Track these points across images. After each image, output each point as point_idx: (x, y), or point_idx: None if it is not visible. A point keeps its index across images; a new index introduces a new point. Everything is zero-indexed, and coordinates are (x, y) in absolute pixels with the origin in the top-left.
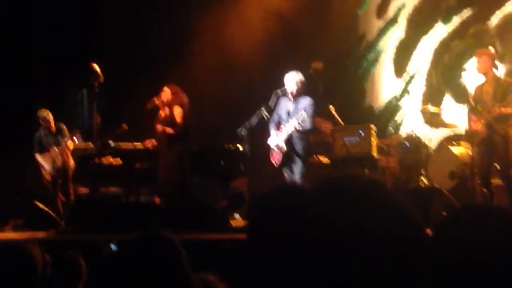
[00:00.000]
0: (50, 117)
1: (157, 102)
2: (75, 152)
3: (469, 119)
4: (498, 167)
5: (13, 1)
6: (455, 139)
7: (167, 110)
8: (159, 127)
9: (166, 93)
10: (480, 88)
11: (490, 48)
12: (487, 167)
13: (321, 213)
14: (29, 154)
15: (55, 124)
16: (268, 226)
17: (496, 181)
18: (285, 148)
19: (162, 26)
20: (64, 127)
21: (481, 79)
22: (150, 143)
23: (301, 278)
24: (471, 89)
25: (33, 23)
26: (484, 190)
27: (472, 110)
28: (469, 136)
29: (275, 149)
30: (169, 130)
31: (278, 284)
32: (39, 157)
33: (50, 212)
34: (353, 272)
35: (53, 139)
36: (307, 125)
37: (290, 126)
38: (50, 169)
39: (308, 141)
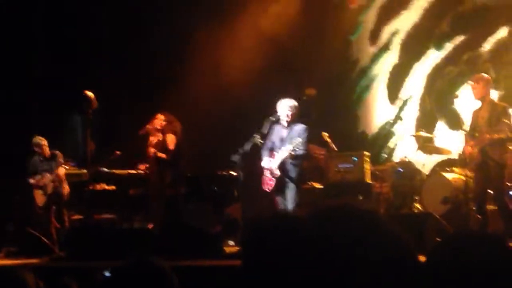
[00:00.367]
0: (44, 143)
1: (149, 128)
2: (68, 178)
3: (466, 144)
4: (492, 192)
5: (8, 25)
6: (448, 164)
7: (159, 136)
8: (151, 150)
9: (159, 120)
10: (476, 113)
11: (484, 74)
12: (482, 192)
13: (315, 241)
14: (22, 181)
15: (50, 151)
16: (263, 253)
17: (491, 206)
18: (278, 173)
19: (156, 52)
20: (59, 154)
21: (477, 104)
22: (143, 166)
23: None
24: (468, 114)
25: (30, 48)
26: (478, 216)
27: (469, 135)
28: (462, 161)
29: (268, 174)
30: (161, 155)
31: None
32: (32, 182)
33: (43, 238)
34: None
35: (47, 165)
36: (301, 151)
37: (284, 152)
38: (42, 195)
39: (302, 167)
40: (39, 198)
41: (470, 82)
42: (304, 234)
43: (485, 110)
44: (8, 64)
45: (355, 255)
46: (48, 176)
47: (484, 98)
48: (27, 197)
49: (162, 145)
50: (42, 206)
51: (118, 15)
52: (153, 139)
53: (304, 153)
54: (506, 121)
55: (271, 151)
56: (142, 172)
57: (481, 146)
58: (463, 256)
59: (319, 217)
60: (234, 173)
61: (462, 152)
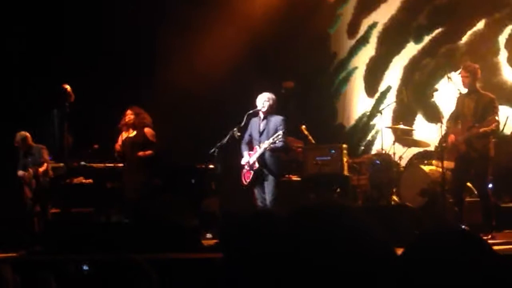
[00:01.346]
0: (26, 139)
1: (121, 124)
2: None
3: (448, 132)
4: (471, 185)
5: None
6: (425, 156)
7: (131, 131)
8: (140, 154)
9: (128, 115)
10: (461, 101)
11: (473, 63)
12: (461, 184)
13: (294, 239)
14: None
15: (35, 146)
16: (244, 249)
17: (468, 198)
18: (256, 165)
19: (133, 42)
20: (43, 148)
21: (463, 92)
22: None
23: None
24: (447, 107)
25: (7, 44)
26: (455, 208)
27: (452, 124)
28: (439, 153)
29: (246, 167)
30: (149, 152)
31: None
32: (20, 175)
33: (21, 232)
34: None
35: (30, 159)
36: (280, 143)
37: (264, 145)
38: (28, 189)
39: (280, 159)
40: (27, 191)
41: (458, 72)
42: (283, 232)
43: (472, 99)
44: None
45: (332, 250)
46: (30, 171)
47: (472, 87)
48: (12, 191)
49: (142, 141)
50: (30, 198)
51: (93, 7)
52: (125, 135)
53: (283, 145)
54: (494, 114)
55: (250, 144)
56: (119, 165)
57: (467, 136)
58: (439, 252)
59: (299, 215)
60: (212, 166)
61: (444, 141)
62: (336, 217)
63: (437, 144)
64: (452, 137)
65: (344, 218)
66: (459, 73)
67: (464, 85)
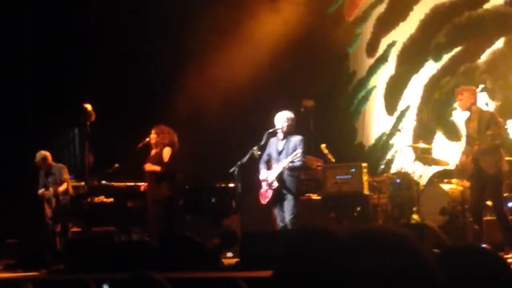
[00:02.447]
0: (46, 158)
1: (149, 142)
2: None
3: (462, 153)
4: (490, 203)
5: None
6: (445, 175)
7: (154, 150)
8: (146, 166)
9: (152, 135)
10: (467, 124)
11: (468, 86)
12: (478, 202)
13: (355, 263)
14: (21, 195)
15: (55, 165)
16: (297, 270)
17: (488, 217)
18: (276, 184)
19: (155, 63)
20: (63, 167)
21: (466, 114)
22: (143, 187)
23: None
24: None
25: (24, 63)
26: (476, 226)
27: (466, 145)
28: (459, 172)
29: (265, 186)
30: (155, 168)
31: None
32: (40, 193)
33: (42, 251)
34: None
35: (51, 179)
36: (299, 162)
37: (283, 164)
38: (48, 208)
39: (299, 178)
40: (47, 210)
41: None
42: (340, 256)
43: (473, 119)
44: (4, 76)
45: (388, 279)
46: (50, 190)
47: (470, 108)
48: (34, 210)
49: (157, 158)
50: (50, 217)
51: (117, 27)
52: (152, 153)
53: (302, 164)
54: (496, 128)
55: (268, 163)
56: (140, 184)
57: (473, 155)
58: (459, 269)
59: (359, 239)
60: (232, 185)
61: (459, 162)
62: (400, 248)
63: (457, 163)
64: (463, 158)
65: (407, 249)
66: (456, 98)
67: (462, 108)
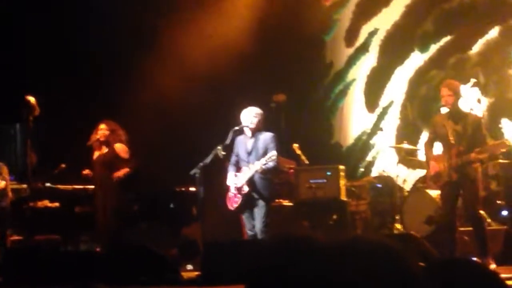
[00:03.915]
0: None
1: (93, 140)
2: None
3: (429, 159)
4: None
5: None
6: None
7: (104, 149)
8: (116, 175)
9: (102, 130)
10: (443, 122)
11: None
12: (452, 213)
13: (337, 275)
14: None
15: None
16: (273, 285)
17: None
18: (245, 189)
19: (108, 54)
20: (3, 166)
21: (443, 112)
22: (87, 171)
23: None
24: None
25: None
26: (465, 237)
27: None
28: (432, 179)
29: (233, 190)
30: (125, 170)
31: None
32: None
33: None
34: None
35: None
36: (272, 163)
37: (255, 166)
38: None
39: (272, 182)
40: None
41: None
42: (327, 264)
43: (456, 121)
44: None
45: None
46: None
47: (455, 107)
48: None
49: (113, 159)
50: None
51: (65, 13)
52: (97, 153)
53: (275, 166)
54: (488, 139)
55: (237, 165)
56: (90, 187)
57: (458, 164)
58: (448, 284)
59: (342, 248)
60: (193, 189)
61: (431, 170)
62: (386, 260)
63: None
64: (434, 165)
65: (393, 261)
66: (441, 92)
67: (447, 104)
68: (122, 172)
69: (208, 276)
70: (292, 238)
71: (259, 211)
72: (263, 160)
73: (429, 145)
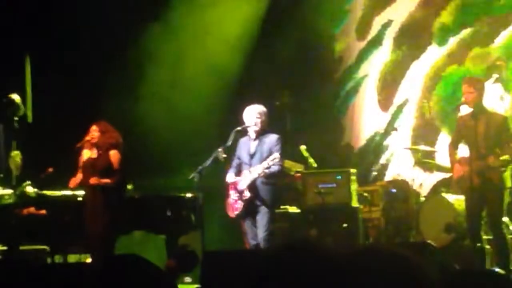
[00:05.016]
0: None
1: (85, 141)
2: None
3: (453, 162)
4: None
5: None
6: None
7: (94, 152)
8: (92, 180)
9: (93, 132)
10: (465, 122)
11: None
12: (477, 221)
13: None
14: None
15: None
16: None
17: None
18: (247, 195)
19: (104, 52)
20: None
21: (467, 112)
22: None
23: None
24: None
25: None
26: (486, 246)
27: (456, 150)
28: (455, 184)
29: (234, 196)
30: (106, 181)
31: None
32: None
33: None
34: None
35: None
36: (276, 167)
37: (257, 170)
38: None
39: (276, 187)
40: None
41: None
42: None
43: (480, 121)
44: None
45: None
46: None
47: (478, 105)
48: None
49: (105, 166)
50: None
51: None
52: (87, 155)
53: (280, 170)
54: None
55: (238, 168)
56: (80, 194)
57: (482, 167)
58: None
59: (356, 259)
60: (192, 195)
61: (454, 174)
62: (402, 271)
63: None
64: (458, 169)
65: (410, 272)
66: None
67: (469, 103)
68: (101, 181)
69: None
70: (298, 248)
71: (262, 218)
72: (265, 164)
73: (453, 146)
